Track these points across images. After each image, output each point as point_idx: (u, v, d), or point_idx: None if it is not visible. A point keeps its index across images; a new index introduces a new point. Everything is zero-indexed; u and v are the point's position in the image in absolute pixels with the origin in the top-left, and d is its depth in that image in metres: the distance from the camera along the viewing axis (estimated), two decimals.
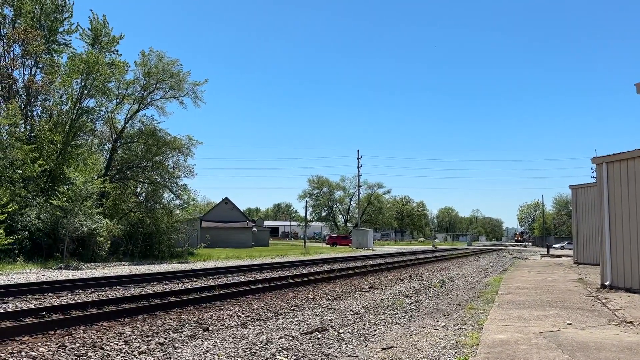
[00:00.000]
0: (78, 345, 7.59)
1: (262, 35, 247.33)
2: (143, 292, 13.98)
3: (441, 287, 17.24)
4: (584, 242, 29.29)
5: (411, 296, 14.46)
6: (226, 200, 66.90)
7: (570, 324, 9.13)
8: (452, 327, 9.18)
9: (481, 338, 7.78)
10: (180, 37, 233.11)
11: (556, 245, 78.30)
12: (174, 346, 7.64)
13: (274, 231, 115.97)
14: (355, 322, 10.01)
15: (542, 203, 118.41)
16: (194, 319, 9.95)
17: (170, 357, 7.02)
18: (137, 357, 7.03)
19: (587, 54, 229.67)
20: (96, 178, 28.25)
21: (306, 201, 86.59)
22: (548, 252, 55.03)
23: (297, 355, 7.26)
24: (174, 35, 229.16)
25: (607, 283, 15.17)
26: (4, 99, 28.88)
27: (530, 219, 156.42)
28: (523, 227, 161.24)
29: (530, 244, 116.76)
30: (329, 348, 7.67)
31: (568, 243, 70.25)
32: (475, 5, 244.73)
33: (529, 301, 12.45)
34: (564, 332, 8.34)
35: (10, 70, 29.32)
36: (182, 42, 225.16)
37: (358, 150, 77.95)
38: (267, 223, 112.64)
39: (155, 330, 8.79)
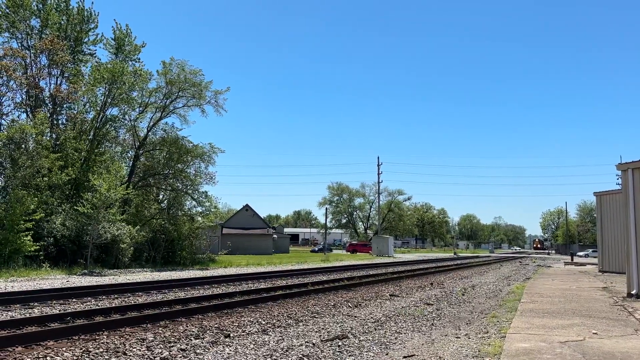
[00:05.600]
0: (102, 350, 7.70)
1: (283, 44, 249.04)
2: (165, 299, 14.12)
3: (463, 295, 17.06)
4: (609, 250, 28.74)
5: (432, 304, 14.34)
6: (247, 207, 67.25)
7: (595, 333, 8.95)
8: (474, 336, 9.07)
9: (504, 347, 7.68)
10: (200, 46, 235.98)
11: (580, 253, 77.00)
12: (195, 352, 7.70)
13: (294, 238, 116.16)
14: (376, 329, 9.96)
15: (566, 210, 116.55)
16: (216, 325, 10.01)
17: None
18: None
19: (612, 62, 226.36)
20: (119, 185, 28.65)
21: (326, 208, 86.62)
22: (572, 260, 54.08)
23: None
24: (195, 44, 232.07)
25: (633, 292, 14.83)
26: (31, 108, 29.54)
27: (553, 227, 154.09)
28: (545, 235, 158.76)
29: (553, 251, 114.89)
30: (349, 356, 7.65)
31: (593, 251, 69.02)
32: (500, 15, 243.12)
33: (553, 310, 12.24)
34: (589, 341, 8.18)
35: (37, 80, 29.99)
36: (203, 52, 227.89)
37: (378, 157, 77.64)
38: (287, 230, 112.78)
39: (177, 337, 8.86)
